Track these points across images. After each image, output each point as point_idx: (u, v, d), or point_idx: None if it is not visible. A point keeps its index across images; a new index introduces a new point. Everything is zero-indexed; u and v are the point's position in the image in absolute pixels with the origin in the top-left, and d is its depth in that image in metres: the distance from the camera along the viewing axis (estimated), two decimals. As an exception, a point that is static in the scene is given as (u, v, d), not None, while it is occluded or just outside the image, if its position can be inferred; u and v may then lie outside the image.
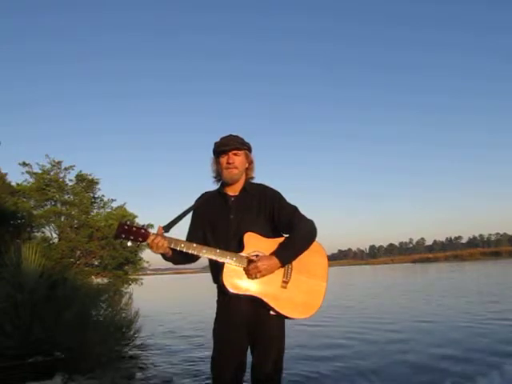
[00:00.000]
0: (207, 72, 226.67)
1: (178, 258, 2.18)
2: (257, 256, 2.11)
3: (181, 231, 2.27)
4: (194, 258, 2.23)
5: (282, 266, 2.11)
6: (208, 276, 2.27)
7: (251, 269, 2.06)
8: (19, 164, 10.83)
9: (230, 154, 2.21)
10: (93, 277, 10.17)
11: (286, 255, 2.11)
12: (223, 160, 2.22)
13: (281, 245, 2.14)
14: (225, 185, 2.28)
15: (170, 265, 2.34)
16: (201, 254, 2.11)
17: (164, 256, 2.16)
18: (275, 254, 2.10)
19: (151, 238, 2.06)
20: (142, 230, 2.08)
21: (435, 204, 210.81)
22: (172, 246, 2.08)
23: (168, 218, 2.20)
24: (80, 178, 11.30)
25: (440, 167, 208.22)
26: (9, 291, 4.08)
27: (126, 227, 2.07)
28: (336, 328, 7.97)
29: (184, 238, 2.22)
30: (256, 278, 2.07)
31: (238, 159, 2.22)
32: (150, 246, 2.08)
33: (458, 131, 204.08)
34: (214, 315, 2.25)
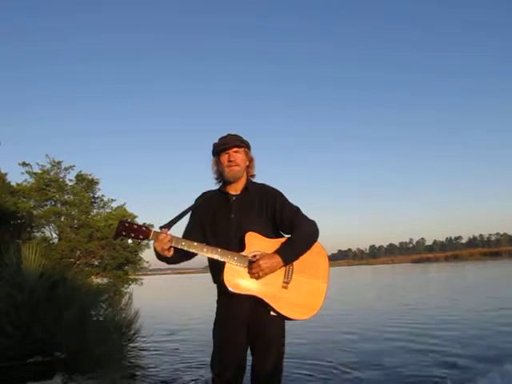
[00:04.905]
0: (208, 72, 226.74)
1: (174, 257, 2.14)
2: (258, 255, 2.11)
3: (181, 230, 2.27)
4: (186, 258, 2.22)
5: (284, 264, 2.10)
6: (209, 276, 2.27)
7: (254, 267, 2.05)
8: (19, 164, 10.81)
9: (231, 152, 2.21)
10: (93, 277, 10.14)
11: (288, 254, 2.10)
12: (224, 159, 2.21)
13: (283, 244, 2.13)
14: (226, 184, 2.27)
15: (170, 265, 2.33)
16: (201, 253, 2.10)
17: (159, 255, 2.13)
18: (277, 252, 2.09)
19: (159, 235, 2.06)
20: (143, 228, 2.08)
21: (435, 204, 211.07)
22: (173, 244, 2.07)
23: (168, 217, 2.20)
24: (80, 178, 11.28)
25: (440, 167, 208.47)
26: (9, 291, 4.08)
27: (127, 224, 2.07)
28: (334, 327, 7.98)
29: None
30: (259, 276, 2.07)
31: (239, 157, 2.22)
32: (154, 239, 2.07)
33: (458, 131, 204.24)
34: (214, 315, 2.25)
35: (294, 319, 2.13)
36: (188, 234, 2.23)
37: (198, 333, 7.89)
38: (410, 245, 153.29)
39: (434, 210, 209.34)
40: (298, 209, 2.23)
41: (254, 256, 2.10)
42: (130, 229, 2.06)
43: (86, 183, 11.34)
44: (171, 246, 2.08)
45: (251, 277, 2.08)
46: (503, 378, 4.09)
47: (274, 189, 2.29)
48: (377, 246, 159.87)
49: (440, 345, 5.94)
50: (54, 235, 10.76)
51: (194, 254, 2.15)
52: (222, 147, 2.22)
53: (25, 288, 4.13)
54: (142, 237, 2.07)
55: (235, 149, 2.21)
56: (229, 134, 2.27)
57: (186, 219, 2.27)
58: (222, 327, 2.20)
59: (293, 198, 2.27)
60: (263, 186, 2.31)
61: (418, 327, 7.59)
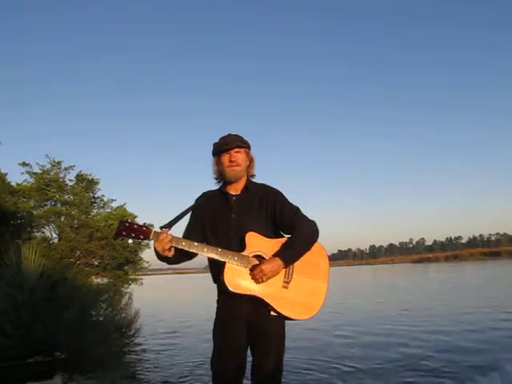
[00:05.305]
0: (208, 72, 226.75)
1: (175, 257, 2.14)
2: (258, 256, 2.11)
3: (182, 230, 2.27)
4: (187, 258, 2.22)
5: (285, 266, 2.11)
6: (209, 276, 2.27)
7: (257, 273, 2.05)
8: (19, 164, 10.82)
9: (232, 152, 2.20)
10: (93, 277, 10.14)
11: (288, 256, 2.11)
12: (225, 159, 2.21)
13: (283, 246, 2.13)
14: (227, 184, 2.27)
15: (171, 265, 2.32)
16: (202, 253, 2.10)
17: (159, 255, 2.12)
18: (278, 254, 2.09)
19: (160, 235, 2.06)
20: (144, 228, 2.07)
21: (435, 204, 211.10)
22: (173, 244, 2.07)
23: (168, 217, 2.19)
24: (80, 178, 11.28)
25: (440, 167, 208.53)
26: (9, 291, 4.08)
27: (127, 224, 2.07)
28: (332, 327, 7.98)
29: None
30: (262, 281, 2.07)
31: (240, 157, 2.22)
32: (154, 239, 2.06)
33: (458, 130, 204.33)
34: (214, 315, 2.25)
35: (294, 319, 2.13)
36: (188, 234, 2.22)
37: (198, 333, 7.89)
38: (410, 245, 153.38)
39: (434, 209, 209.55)
40: (298, 209, 2.23)
41: (255, 257, 2.11)
42: (130, 229, 2.06)
43: (86, 183, 11.34)
44: (172, 246, 2.08)
45: (255, 282, 2.07)
46: (503, 378, 4.09)
47: (274, 189, 2.29)
48: (377, 246, 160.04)
49: (440, 345, 5.94)
50: (54, 235, 10.76)
51: (194, 255, 2.14)
52: (223, 147, 2.21)
53: (25, 288, 4.13)
54: (142, 237, 2.07)
55: (237, 149, 2.21)
56: (229, 134, 2.26)
57: (186, 219, 2.27)
58: (222, 327, 2.20)
59: (292, 198, 2.27)
60: (263, 185, 2.31)
61: (417, 327, 7.59)
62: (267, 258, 2.11)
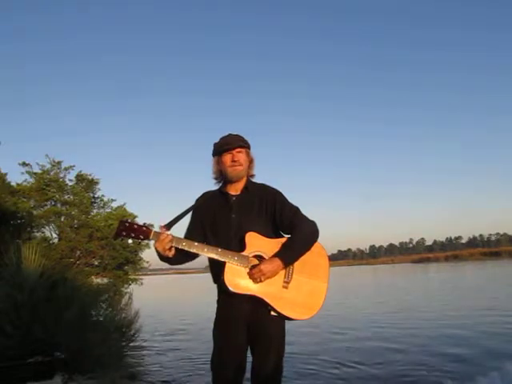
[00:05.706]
0: (208, 72, 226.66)
1: (176, 257, 2.14)
2: (258, 256, 2.11)
3: (182, 230, 2.27)
4: (190, 258, 2.22)
5: (285, 267, 2.11)
6: (209, 276, 2.27)
7: (255, 272, 2.06)
8: (19, 164, 10.79)
9: (234, 152, 2.20)
10: (93, 277, 10.12)
11: (288, 256, 2.11)
12: (227, 159, 2.21)
13: (283, 246, 2.14)
14: (227, 184, 2.27)
15: (173, 265, 2.32)
16: (202, 253, 2.10)
17: (160, 255, 2.12)
18: (278, 255, 2.10)
19: (160, 235, 2.05)
20: (144, 228, 2.07)
21: (435, 204, 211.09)
22: (174, 244, 2.07)
23: (168, 217, 2.20)
24: (80, 178, 11.28)
25: (440, 167, 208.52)
26: (9, 291, 4.07)
27: (127, 224, 2.07)
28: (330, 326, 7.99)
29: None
30: (261, 281, 2.07)
31: (242, 157, 2.22)
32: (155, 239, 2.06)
33: (458, 130, 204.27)
34: (215, 315, 2.25)
35: (294, 319, 2.14)
36: (189, 234, 2.23)
37: (198, 333, 7.90)
38: (410, 245, 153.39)
39: (434, 209, 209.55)
40: (297, 209, 2.23)
41: (255, 257, 2.11)
42: (130, 229, 2.06)
43: (86, 183, 11.33)
44: (172, 246, 2.08)
45: (254, 282, 2.08)
46: (503, 378, 4.08)
47: (273, 189, 2.29)
48: (377, 245, 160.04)
49: (440, 345, 5.95)
50: (54, 235, 10.74)
51: (196, 255, 2.14)
52: (225, 147, 2.21)
53: (25, 288, 4.12)
54: (142, 237, 2.07)
55: (238, 149, 2.22)
56: (230, 134, 2.26)
57: (186, 219, 2.27)
58: (222, 327, 2.20)
59: (292, 198, 2.27)
60: (263, 185, 2.31)
61: (418, 327, 7.59)
62: (267, 258, 2.11)
